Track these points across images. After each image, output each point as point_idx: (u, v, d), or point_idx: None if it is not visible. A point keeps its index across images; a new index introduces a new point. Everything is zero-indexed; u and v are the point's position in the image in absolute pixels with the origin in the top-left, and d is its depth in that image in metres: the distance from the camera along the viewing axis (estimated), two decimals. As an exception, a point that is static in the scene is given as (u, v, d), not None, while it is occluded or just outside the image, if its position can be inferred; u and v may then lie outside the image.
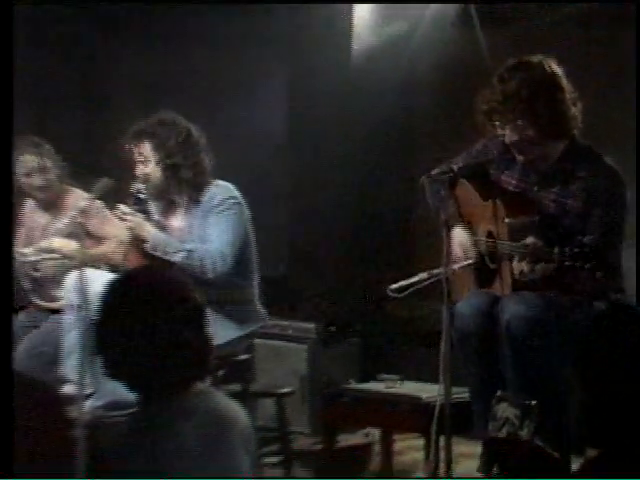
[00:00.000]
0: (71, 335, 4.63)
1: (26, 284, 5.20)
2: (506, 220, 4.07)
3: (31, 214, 5.41)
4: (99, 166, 5.24)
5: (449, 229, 3.95)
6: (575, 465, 3.83)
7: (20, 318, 5.10)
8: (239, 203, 4.68)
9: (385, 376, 4.70)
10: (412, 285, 4.16)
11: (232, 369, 4.66)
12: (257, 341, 5.08)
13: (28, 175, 5.23)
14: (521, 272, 3.92)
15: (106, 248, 5.01)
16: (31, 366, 4.77)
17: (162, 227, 4.70)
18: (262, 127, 6.63)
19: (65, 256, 5.07)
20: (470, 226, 4.31)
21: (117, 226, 4.73)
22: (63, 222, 5.15)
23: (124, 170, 4.69)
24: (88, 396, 4.26)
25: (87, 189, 4.88)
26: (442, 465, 3.90)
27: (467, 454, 4.51)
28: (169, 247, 4.58)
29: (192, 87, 6.62)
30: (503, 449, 3.73)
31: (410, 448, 5.14)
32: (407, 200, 6.10)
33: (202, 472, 2.64)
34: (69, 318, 4.69)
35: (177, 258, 4.54)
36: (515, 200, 4.17)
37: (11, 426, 2.59)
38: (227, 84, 6.66)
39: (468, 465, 4.47)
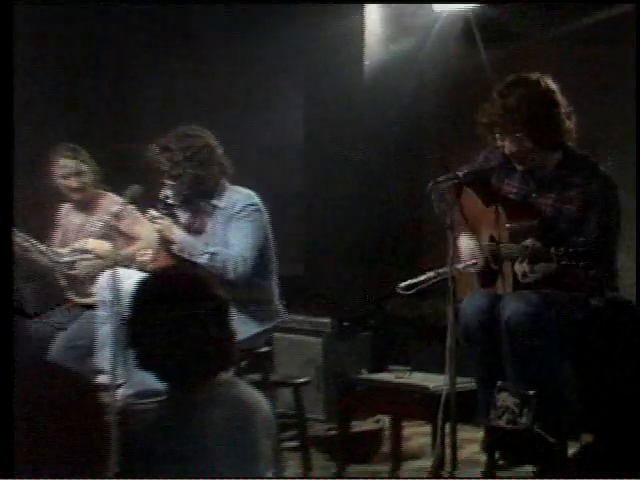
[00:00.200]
0: (104, 329, 4.70)
1: (62, 282, 5.26)
2: (507, 225, 4.16)
3: (67, 215, 5.51)
4: (129, 172, 5.24)
5: (454, 232, 4.00)
6: (571, 450, 3.99)
7: (56, 315, 5.17)
8: (259, 210, 4.76)
9: (395, 367, 4.78)
10: (420, 283, 4.22)
11: (253, 360, 4.71)
12: (276, 334, 5.18)
13: (65, 177, 5.34)
14: (523, 273, 4.00)
15: (136, 248, 5.07)
16: (68, 358, 4.89)
17: (188, 231, 4.78)
18: (279, 135, 6.67)
19: (99, 256, 5.18)
20: (473, 230, 4.39)
21: (148, 228, 4.85)
22: (97, 224, 5.25)
23: (153, 177, 4.76)
24: (120, 385, 4.24)
25: (119, 194, 4.84)
26: (448, 449, 3.94)
27: (471, 440, 4.69)
28: (195, 249, 4.67)
29: (208, 95, 6.63)
30: (504, 435, 3.84)
31: (418, 434, 5.27)
32: (415, 203, 6.06)
33: (227, 454, 2.73)
34: (102, 313, 4.77)
35: (202, 260, 4.64)
36: (515, 206, 4.25)
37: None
38: (246, 99, 6.69)
39: (471, 449, 4.69)
